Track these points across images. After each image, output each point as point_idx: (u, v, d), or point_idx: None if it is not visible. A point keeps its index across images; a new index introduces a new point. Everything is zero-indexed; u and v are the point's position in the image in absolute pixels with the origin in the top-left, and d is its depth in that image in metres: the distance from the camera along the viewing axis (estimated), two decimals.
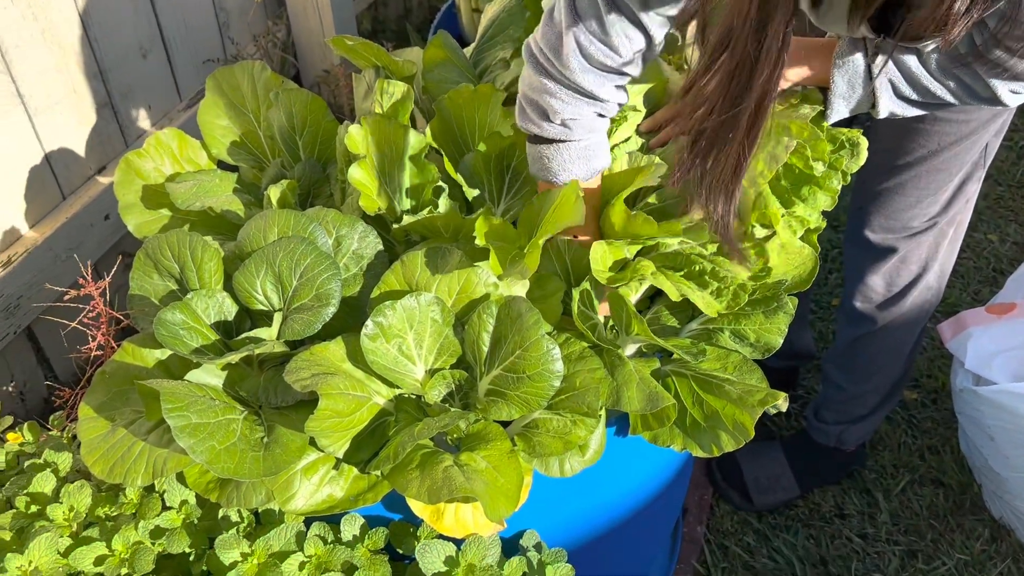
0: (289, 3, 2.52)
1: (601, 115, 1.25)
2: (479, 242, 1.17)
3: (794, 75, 1.22)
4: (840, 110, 1.20)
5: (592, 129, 1.25)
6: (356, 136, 1.32)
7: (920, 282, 1.63)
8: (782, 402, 1.16)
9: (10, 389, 1.89)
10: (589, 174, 1.28)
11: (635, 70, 1.21)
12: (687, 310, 1.42)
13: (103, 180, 2.00)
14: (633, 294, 1.46)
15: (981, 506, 1.92)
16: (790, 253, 1.40)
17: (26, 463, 1.32)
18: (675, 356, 1.27)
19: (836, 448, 1.93)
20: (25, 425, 1.41)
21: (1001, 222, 2.57)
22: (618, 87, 1.22)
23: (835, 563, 1.85)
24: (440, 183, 1.40)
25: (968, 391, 1.69)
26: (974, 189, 1.54)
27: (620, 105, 1.26)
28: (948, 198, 1.52)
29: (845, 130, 1.26)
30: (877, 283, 1.64)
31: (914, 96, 1.15)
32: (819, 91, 1.24)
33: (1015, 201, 2.63)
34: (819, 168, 1.22)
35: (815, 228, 1.29)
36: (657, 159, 1.29)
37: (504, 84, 1.64)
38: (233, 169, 1.58)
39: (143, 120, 2.12)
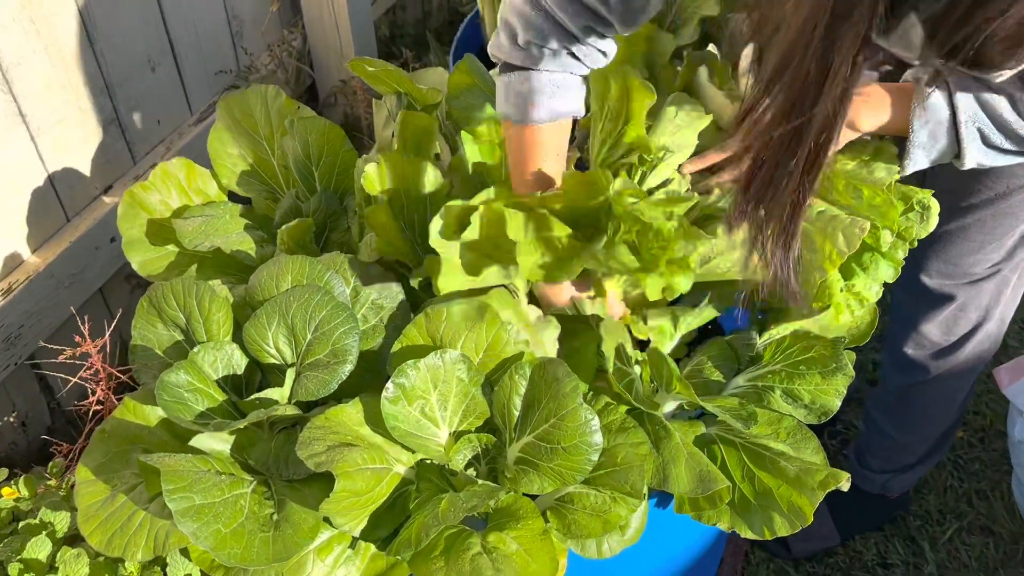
0: (305, 11, 2.41)
1: (574, 55, 1.12)
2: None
3: (867, 123, 1.10)
4: (919, 161, 1.09)
5: (564, 66, 1.12)
6: (373, 176, 1.22)
7: (979, 331, 1.51)
8: (845, 482, 1.06)
9: (11, 419, 1.80)
10: (551, 114, 1.14)
11: (621, 23, 1.07)
12: (732, 361, 1.32)
13: (109, 200, 1.91)
14: (668, 340, 1.36)
15: None
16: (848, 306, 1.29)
17: (21, 523, 1.23)
18: (720, 418, 1.16)
19: (880, 495, 1.81)
20: (21, 479, 1.32)
21: None
22: (597, 32, 1.09)
23: None
24: None
25: None
26: None
27: (602, 53, 1.13)
28: (1014, 243, 1.39)
29: (917, 189, 1.14)
30: (932, 331, 1.52)
31: (1007, 145, 1.03)
32: (894, 143, 1.13)
33: None
34: (887, 238, 1.11)
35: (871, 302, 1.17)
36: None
37: None
38: (245, 200, 1.48)
39: (152, 136, 2.02)
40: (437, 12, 3.27)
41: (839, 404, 1.18)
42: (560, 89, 1.13)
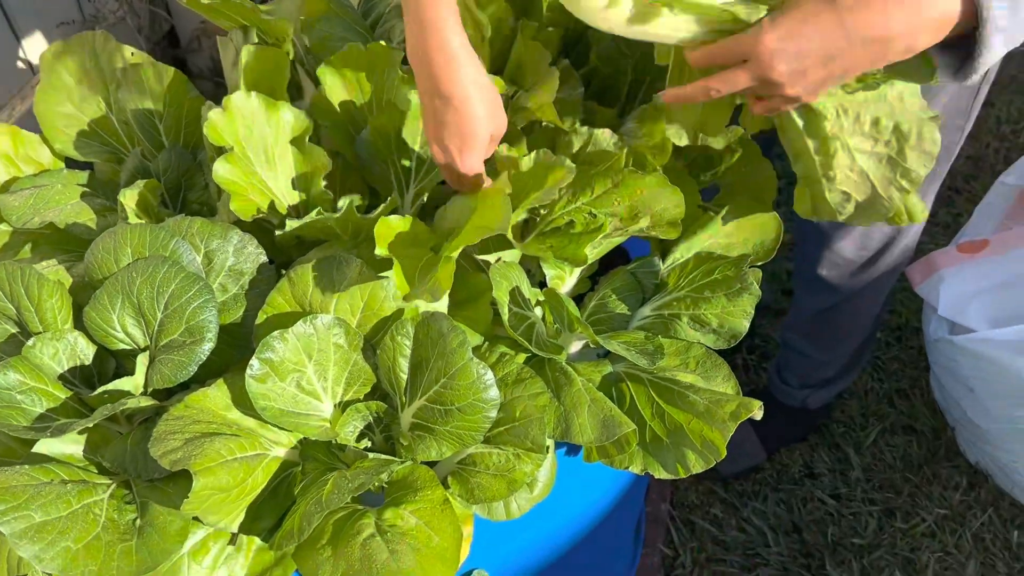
0: None
1: None
2: (380, 251, 0.95)
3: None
4: (996, 51, 0.84)
5: None
6: (219, 123, 1.07)
7: (895, 244, 1.44)
8: (757, 411, 0.99)
9: None
10: None
11: None
12: (636, 292, 1.23)
13: None
14: (568, 276, 1.26)
15: (956, 451, 1.81)
16: (751, 219, 1.22)
17: None
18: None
19: (802, 408, 1.78)
20: None
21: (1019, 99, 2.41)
22: None
23: (809, 529, 1.73)
24: (330, 166, 1.16)
25: (944, 341, 1.55)
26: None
27: None
28: None
29: None
30: (846, 248, 1.45)
31: None
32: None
33: None
34: None
35: None
36: (568, 161, 1.03)
37: (402, 38, 1.39)
38: (86, 166, 1.31)
39: None
40: None
41: (747, 325, 1.10)
42: None
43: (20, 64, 1.87)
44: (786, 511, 1.76)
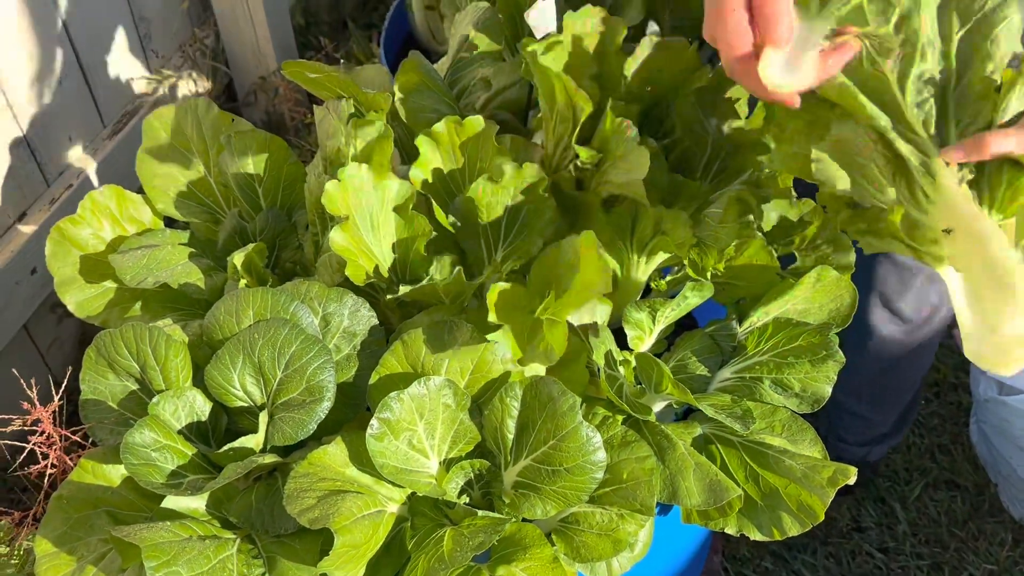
0: (216, 6, 2.27)
1: None
2: (492, 318, 1.00)
3: None
4: None
5: None
6: (335, 194, 1.13)
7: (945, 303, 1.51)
8: (853, 476, 1.04)
9: None
10: None
11: None
12: (715, 354, 1.29)
13: (25, 229, 1.76)
14: (647, 336, 1.32)
15: (1000, 507, 1.85)
16: (826, 285, 1.28)
17: None
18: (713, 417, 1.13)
19: (863, 462, 1.83)
20: None
21: None
22: None
23: None
24: (433, 233, 1.22)
25: (995, 401, 1.60)
26: None
27: None
28: None
29: None
30: (905, 308, 1.51)
31: None
32: None
33: None
34: None
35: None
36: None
37: (480, 105, 1.46)
38: (183, 226, 1.37)
39: (64, 154, 1.88)
40: None
41: (830, 390, 1.16)
42: None
43: (93, 116, 1.94)
44: (835, 564, 1.80)
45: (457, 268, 1.12)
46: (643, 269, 1.35)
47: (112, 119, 2.01)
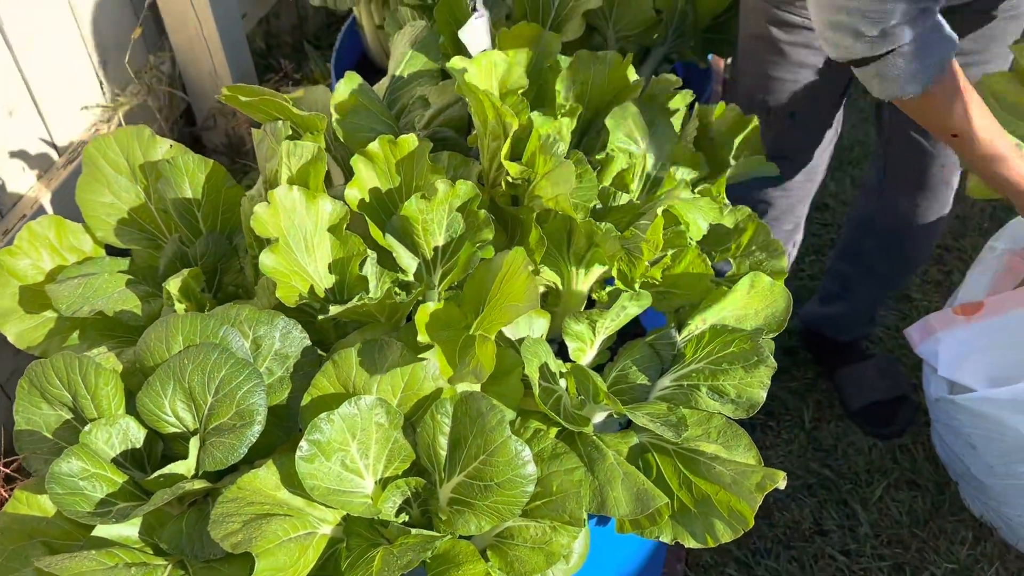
0: (171, 33, 2.28)
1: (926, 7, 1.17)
2: (422, 338, 1.01)
3: None
4: None
5: (925, 21, 1.18)
6: (264, 217, 1.14)
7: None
8: (781, 481, 1.04)
9: None
10: (936, 71, 1.22)
11: None
12: (655, 362, 1.29)
13: None
14: (589, 348, 1.32)
15: (961, 505, 1.86)
16: (760, 291, 1.29)
17: None
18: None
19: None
20: None
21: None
22: None
23: None
24: (368, 253, 1.23)
25: (945, 400, 1.62)
26: None
27: None
28: None
29: None
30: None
31: None
32: None
33: None
34: None
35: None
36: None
37: (423, 123, 1.47)
38: (124, 253, 1.37)
39: (19, 184, 1.88)
40: (314, 16, 3.15)
41: (764, 395, 1.16)
42: (931, 40, 1.20)
43: (47, 147, 1.95)
44: (798, 568, 1.81)
45: (387, 287, 1.13)
46: (583, 281, 1.36)
47: (68, 149, 2.02)
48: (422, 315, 1.04)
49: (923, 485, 1.91)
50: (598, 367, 1.34)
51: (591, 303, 1.44)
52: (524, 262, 1.07)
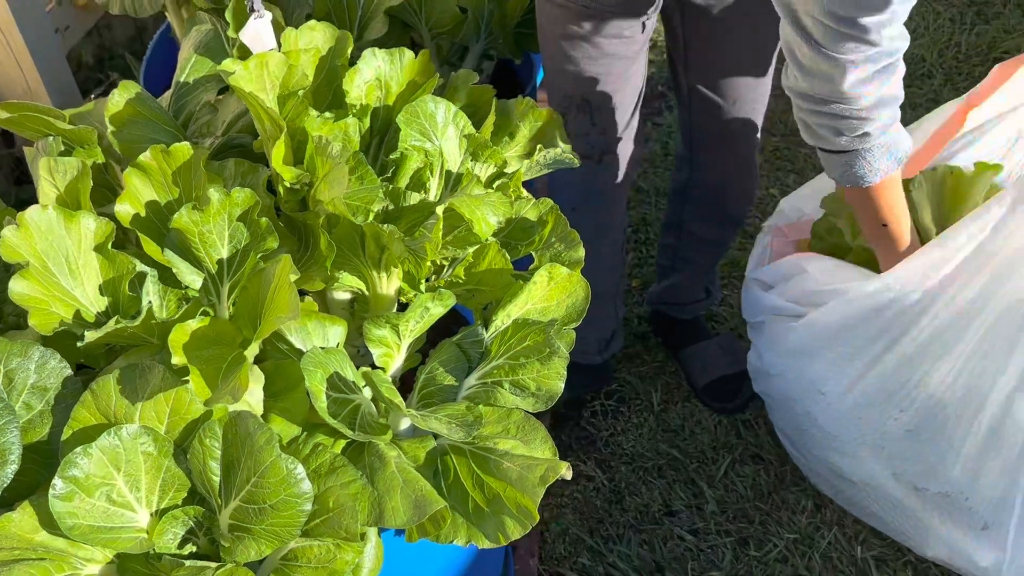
0: None
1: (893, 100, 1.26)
2: (176, 360, 0.96)
3: None
4: None
5: (888, 123, 1.28)
6: (13, 240, 1.06)
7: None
8: (566, 471, 1.03)
9: None
10: (897, 164, 1.34)
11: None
12: (463, 362, 1.27)
13: None
14: (396, 353, 1.29)
15: (801, 476, 1.90)
16: (559, 283, 1.28)
17: None
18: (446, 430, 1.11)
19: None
20: None
21: (780, 174, 2.59)
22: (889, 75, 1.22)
23: (671, 567, 1.79)
24: (143, 269, 1.16)
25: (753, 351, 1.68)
26: None
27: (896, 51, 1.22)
28: None
29: None
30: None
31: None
32: None
33: (790, 150, 2.65)
34: None
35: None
36: None
37: (222, 130, 1.41)
38: None
39: None
40: (153, 27, 3.02)
41: (562, 386, 1.15)
42: (897, 138, 1.32)
43: None
44: (649, 551, 1.82)
45: (148, 306, 1.06)
46: (388, 285, 1.32)
47: None
48: (179, 335, 0.98)
49: (766, 459, 1.95)
50: (412, 370, 1.31)
51: (404, 306, 1.41)
52: (290, 270, 1.02)
